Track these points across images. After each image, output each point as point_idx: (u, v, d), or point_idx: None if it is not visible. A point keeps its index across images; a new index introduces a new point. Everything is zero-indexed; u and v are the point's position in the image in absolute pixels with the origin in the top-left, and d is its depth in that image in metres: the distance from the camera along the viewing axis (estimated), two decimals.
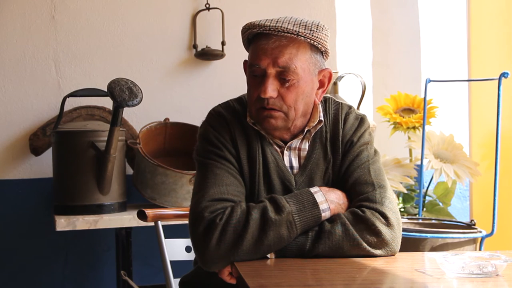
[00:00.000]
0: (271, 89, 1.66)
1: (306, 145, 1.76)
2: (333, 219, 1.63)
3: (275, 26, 1.64)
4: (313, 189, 1.66)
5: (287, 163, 1.75)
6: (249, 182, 1.72)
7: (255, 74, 1.69)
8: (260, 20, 1.68)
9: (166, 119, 3.19)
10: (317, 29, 1.67)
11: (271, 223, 1.57)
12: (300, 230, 1.60)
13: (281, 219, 1.58)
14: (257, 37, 1.69)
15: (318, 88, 1.75)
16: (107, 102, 3.17)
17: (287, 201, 1.62)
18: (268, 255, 1.61)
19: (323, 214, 1.63)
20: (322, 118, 1.76)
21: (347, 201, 1.70)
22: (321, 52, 1.72)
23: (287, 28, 1.64)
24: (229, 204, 1.62)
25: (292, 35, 1.64)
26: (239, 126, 1.75)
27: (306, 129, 1.75)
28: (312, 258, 1.60)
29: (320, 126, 1.76)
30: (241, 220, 1.57)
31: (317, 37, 1.66)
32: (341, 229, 1.60)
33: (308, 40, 1.66)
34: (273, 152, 1.74)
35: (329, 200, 1.65)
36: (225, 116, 1.76)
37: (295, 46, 1.66)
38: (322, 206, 1.63)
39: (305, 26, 1.66)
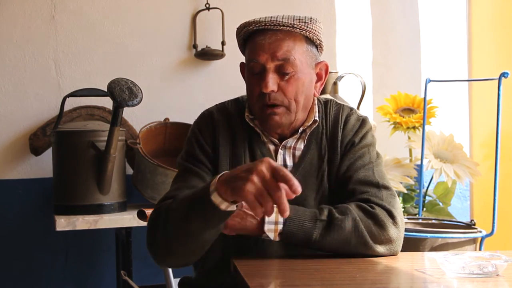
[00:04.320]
0: (272, 83, 1.66)
1: (301, 145, 1.77)
2: (343, 211, 1.61)
3: (271, 20, 1.67)
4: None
5: (280, 162, 1.75)
6: None
7: (254, 70, 1.70)
8: (255, 18, 1.70)
9: (166, 119, 3.19)
10: (311, 21, 1.70)
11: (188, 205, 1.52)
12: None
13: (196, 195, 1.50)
14: (252, 35, 1.71)
15: (316, 82, 1.76)
16: (107, 102, 3.17)
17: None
18: (271, 236, 1.57)
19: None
20: (317, 118, 1.77)
21: None
22: (316, 45, 1.74)
23: (282, 21, 1.66)
24: (169, 201, 1.61)
25: (288, 28, 1.67)
26: (226, 126, 1.76)
27: (301, 128, 1.76)
28: (317, 250, 1.59)
29: (315, 126, 1.77)
30: (163, 214, 1.57)
31: (312, 29, 1.69)
32: (352, 224, 1.59)
33: (304, 32, 1.68)
34: (264, 150, 1.75)
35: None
36: (214, 116, 1.78)
37: (291, 39, 1.68)
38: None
39: (299, 19, 1.69)
